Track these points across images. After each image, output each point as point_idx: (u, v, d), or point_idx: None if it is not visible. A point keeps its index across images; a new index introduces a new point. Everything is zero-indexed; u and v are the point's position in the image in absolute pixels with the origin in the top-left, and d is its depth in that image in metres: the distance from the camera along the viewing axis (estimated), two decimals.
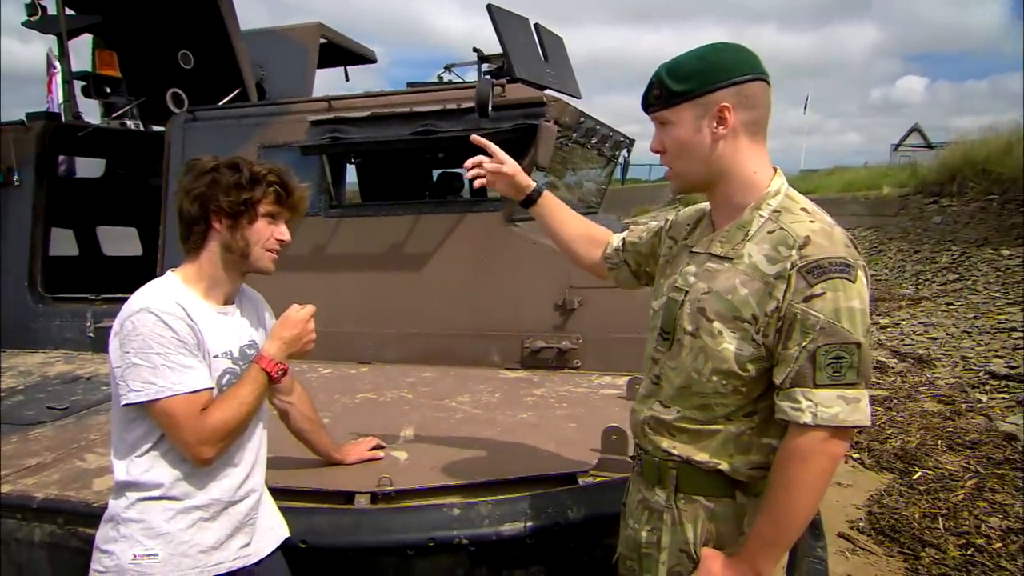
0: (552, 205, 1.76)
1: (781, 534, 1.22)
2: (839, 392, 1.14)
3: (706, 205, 1.41)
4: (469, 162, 1.76)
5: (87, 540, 1.72)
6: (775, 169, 1.30)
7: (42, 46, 4.60)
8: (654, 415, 1.36)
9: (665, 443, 1.34)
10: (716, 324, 1.24)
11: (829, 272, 1.13)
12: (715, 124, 1.23)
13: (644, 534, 1.38)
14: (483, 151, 1.78)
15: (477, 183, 1.77)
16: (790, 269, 1.16)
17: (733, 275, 1.24)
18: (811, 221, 1.21)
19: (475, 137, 1.82)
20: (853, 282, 1.14)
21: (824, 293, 1.13)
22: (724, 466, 1.28)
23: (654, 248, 1.57)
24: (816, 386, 1.14)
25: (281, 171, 1.52)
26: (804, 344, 1.14)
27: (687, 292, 1.32)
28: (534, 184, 1.77)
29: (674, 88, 1.25)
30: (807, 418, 1.14)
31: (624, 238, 1.68)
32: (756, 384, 1.25)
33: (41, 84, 4.51)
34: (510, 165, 1.75)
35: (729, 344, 1.23)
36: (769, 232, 1.22)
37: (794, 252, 1.17)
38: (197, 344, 1.41)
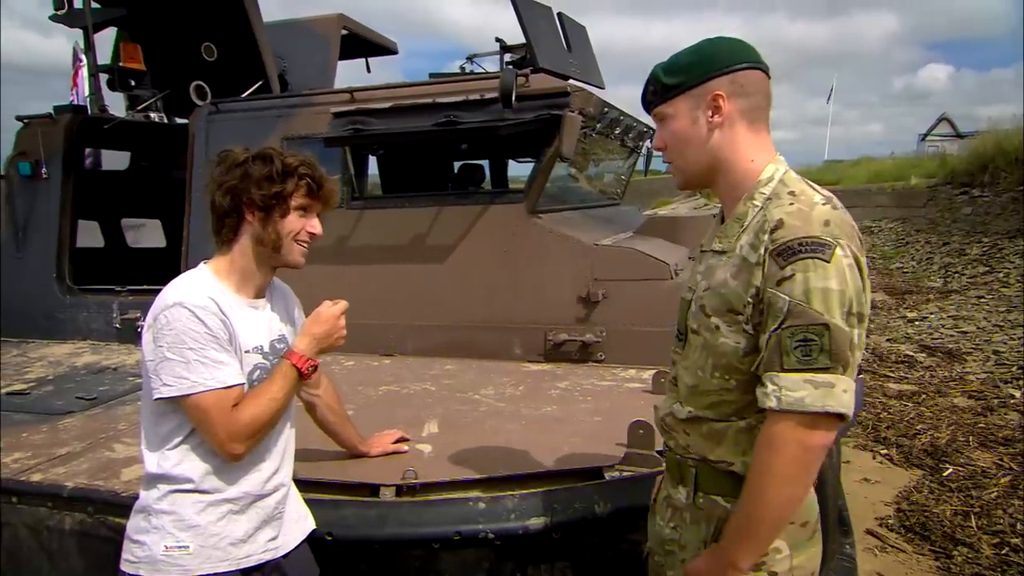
0: None
1: (753, 526, 1.17)
2: (807, 376, 1.09)
3: None
4: None
5: (116, 529, 1.74)
6: (775, 156, 1.27)
7: (63, 40, 4.64)
8: (671, 413, 1.37)
9: (682, 440, 1.34)
10: (714, 319, 1.23)
11: (799, 253, 1.10)
12: (710, 113, 1.23)
13: (667, 531, 1.38)
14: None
15: None
16: (764, 254, 1.14)
17: (726, 268, 1.23)
18: (791, 204, 1.17)
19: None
20: (828, 261, 1.09)
21: (793, 275, 1.10)
22: (736, 466, 1.26)
23: None
24: (783, 370, 1.11)
25: (312, 163, 1.50)
26: (773, 328, 1.12)
27: (694, 291, 1.31)
28: None
29: (668, 82, 1.26)
30: (772, 403, 1.11)
31: None
32: None
33: (62, 78, 4.55)
34: None
35: (727, 338, 1.22)
36: (757, 221, 1.20)
37: (766, 236, 1.15)
38: (229, 339, 1.41)
